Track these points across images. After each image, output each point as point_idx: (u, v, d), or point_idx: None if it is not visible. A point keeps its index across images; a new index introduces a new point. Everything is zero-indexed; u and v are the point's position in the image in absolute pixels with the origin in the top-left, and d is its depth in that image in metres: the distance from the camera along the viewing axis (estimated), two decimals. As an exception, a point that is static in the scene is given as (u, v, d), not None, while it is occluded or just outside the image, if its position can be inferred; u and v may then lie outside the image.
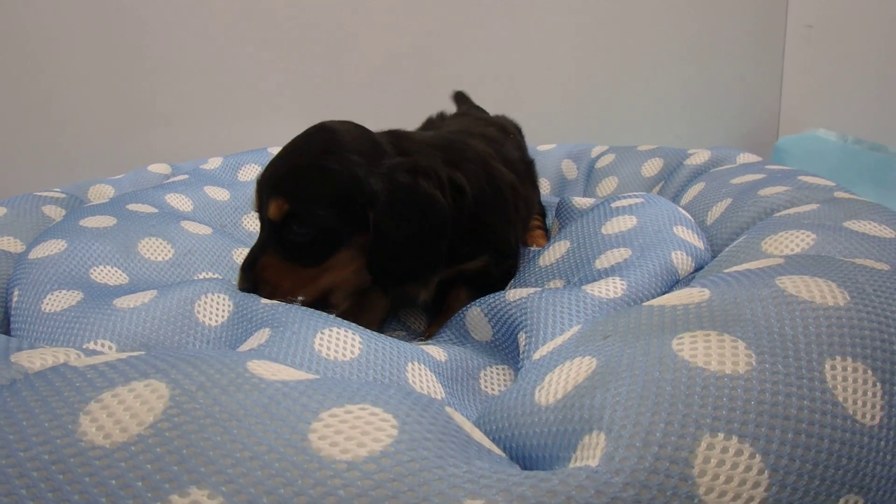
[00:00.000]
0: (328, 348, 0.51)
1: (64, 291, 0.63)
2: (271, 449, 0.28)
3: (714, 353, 0.34)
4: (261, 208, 0.67)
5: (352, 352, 0.51)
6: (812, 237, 0.55)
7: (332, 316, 0.57)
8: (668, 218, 0.73)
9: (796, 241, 0.55)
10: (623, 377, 0.33)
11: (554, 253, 0.77)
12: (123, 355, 0.37)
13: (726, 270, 0.47)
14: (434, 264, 0.68)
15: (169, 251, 0.77)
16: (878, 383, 0.34)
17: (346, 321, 0.56)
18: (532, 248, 0.91)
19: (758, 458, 0.29)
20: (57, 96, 1.47)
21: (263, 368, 0.35)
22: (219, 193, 1.01)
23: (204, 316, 0.59)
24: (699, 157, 1.02)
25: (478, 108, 1.20)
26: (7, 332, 0.65)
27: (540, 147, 1.34)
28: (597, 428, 0.31)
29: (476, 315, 0.65)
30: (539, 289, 0.62)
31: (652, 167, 1.11)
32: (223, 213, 0.98)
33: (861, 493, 0.31)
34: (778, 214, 0.66)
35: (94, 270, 0.69)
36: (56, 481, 0.28)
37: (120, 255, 0.72)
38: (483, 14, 1.57)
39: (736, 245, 0.60)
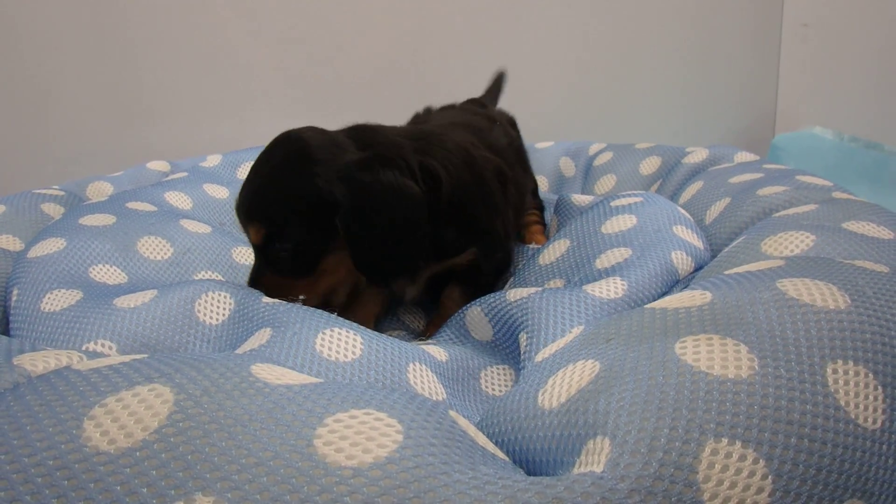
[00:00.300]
0: (329, 349, 0.51)
1: (63, 290, 0.63)
2: (277, 455, 0.28)
3: (717, 357, 0.34)
4: (245, 233, 0.68)
5: (353, 352, 0.51)
6: (811, 238, 0.55)
7: (333, 315, 0.56)
8: (668, 217, 0.73)
9: (796, 243, 0.55)
10: (626, 381, 0.33)
11: (554, 252, 0.77)
12: (127, 358, 0.37)
13: (727, 272, 0.47)
14: (415, 255, 0.67)
15: (168, 250, 0.76)
16: (879, 387, 0.34)
17: (347, 321, 0.56)
18: (531, 247, 0.92)
19: (761, 463, 0.29)
20: (55, 93, 1.46)
21: (267, 372, 0.35)
22: (218, 191, 1.00)
23: (204, 315, 0.59)
24: (697, 155, 1.02)
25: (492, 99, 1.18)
26: (6, 332, 0.65)
27: (538, 144, 1.33)
28: (601, 433, 0.31)
29: (476, 314, 0.65)
30: (539, 289, 0.62)
31: (650, 165, 1.11)
32: (223, 211, 0.97)
33: (864, 497, 0.31)
34: (777, 215, 0.66)
35: (94, 269, 0.69)
36: (61, 487, 0.28)
37: (119, 253, 0.72)
38: (480, 11, 1.57)
39: (735, 245, 0.60)
